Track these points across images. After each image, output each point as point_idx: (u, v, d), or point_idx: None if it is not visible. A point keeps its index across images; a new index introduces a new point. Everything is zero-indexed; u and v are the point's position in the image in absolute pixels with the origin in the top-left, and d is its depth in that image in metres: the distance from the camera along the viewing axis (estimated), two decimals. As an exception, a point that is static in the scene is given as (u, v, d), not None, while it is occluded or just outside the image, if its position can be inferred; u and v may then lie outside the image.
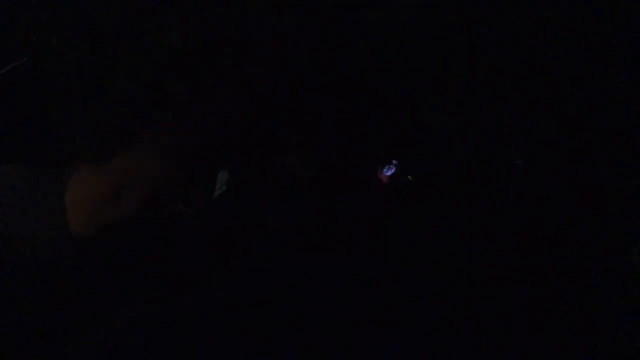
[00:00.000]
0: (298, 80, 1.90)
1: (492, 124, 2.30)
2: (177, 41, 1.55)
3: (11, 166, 1.19)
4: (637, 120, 2.22)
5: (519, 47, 2.26)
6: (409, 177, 2.26)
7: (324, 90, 2.16)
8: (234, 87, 1.16)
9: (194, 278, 1.84)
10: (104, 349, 1.56)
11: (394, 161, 2.28)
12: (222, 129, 1.18)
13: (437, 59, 2.27)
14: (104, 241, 1.12)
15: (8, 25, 1.91)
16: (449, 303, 2.11)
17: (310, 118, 2.19)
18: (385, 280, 2.12)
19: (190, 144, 1.11)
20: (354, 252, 2.13)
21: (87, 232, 1.07)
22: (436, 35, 2.23)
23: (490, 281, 2.13)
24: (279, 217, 1.99)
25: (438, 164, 2.30)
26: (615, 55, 2.23)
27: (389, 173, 2.27)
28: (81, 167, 1.09)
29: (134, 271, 1.72)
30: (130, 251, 1.46)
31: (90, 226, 1.06)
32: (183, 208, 1.87)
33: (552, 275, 2.15)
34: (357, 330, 2.04)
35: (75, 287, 1.23)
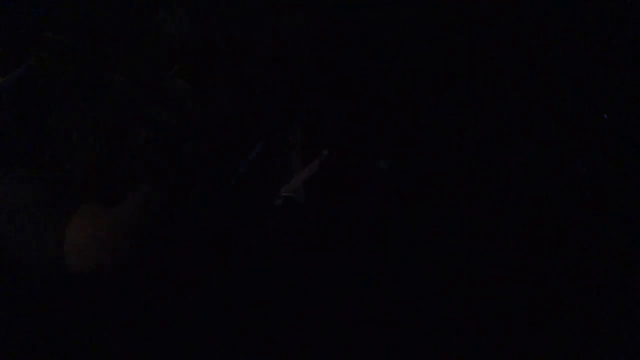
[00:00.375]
0: (298, 80, 1.90)
1: (493, 124, 2.30)
2: (175, 36, 1.55)
3: (17, 175, 1.19)
4: (637, 120, 2.22)
5: (519, 47, 2.26)
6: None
7: (324, 90, 2.16)
8: (234, 86, 1.16)
9: (194, 278, 1.83)
10: (103, 349, 1.56)
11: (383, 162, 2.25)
12: (221, 128, 1.18)
13: (437, 58, 2.27)
14: (100, 277, 1.12)
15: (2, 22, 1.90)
16: (449, 303, 2.11)
17: (310, 117, 2.19)
18: (385, 280, 2.12)
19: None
20: (354, 252, 2.13)
21: (83, 270, 1.07)
22: (436, 35, 2.23)
23: (490, 281, 2.14)
24: (279, 217, 1.99)
25: (438, 164, 2.30)
26: (616, 56, 2.23)
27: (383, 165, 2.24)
28: (83, 206, 1.09)
29: (132, 271, 1.72)
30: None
31: (85, 267, 1.07)
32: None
33: (552, 275, 2.16)
34: (357, 330, 2.04)
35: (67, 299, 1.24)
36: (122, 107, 1.38)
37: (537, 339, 2.08)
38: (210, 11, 1.49)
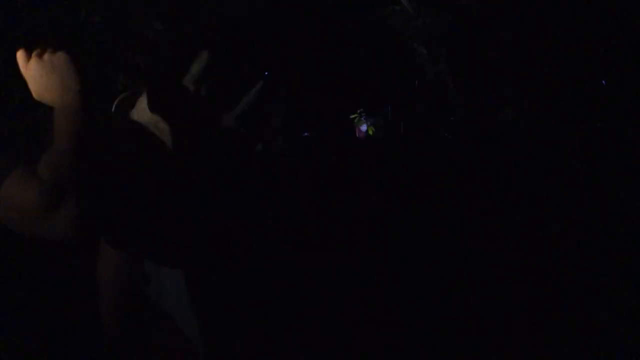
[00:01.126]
0: (297, 77, 1.90)
1: (493, 123, 2.31)
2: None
3: None
4: (637, 120, 2.22)
5: (519, 47, 2.26)
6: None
7: (323, 89, 2.15)
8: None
9: (194, 278, 1.83)
10: (99, 349, 1.55)
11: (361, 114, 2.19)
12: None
13: (437, 58, 2.27)
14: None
15: None
16: (449, 303, 2.11)
17: (309, 117, 2.19)
18: (385, 280, 2.12)
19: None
20: (354, 252, 2.13)
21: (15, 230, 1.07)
22: (436, 35, 2.23)
23: (491, 281, 2.14)
24: (279, 217, 1.99)
25: (438, 163, 2.30)
26: (615, 56, 2.24)
27: (364, 129, 2.24)
28: (14, 172, 1.07)
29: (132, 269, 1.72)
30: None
31: (19, 228, 1.06)
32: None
33: (552, 275, 2.16)
34: (357, 330, 2.04)
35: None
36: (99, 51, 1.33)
37: (537, 339, 2.08)
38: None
